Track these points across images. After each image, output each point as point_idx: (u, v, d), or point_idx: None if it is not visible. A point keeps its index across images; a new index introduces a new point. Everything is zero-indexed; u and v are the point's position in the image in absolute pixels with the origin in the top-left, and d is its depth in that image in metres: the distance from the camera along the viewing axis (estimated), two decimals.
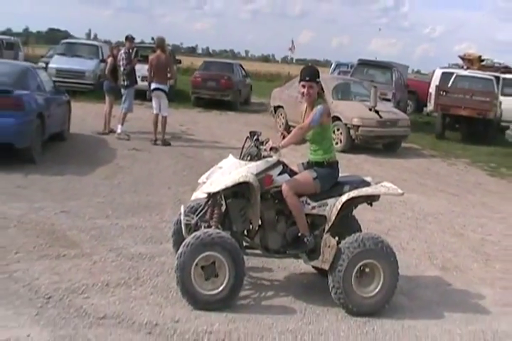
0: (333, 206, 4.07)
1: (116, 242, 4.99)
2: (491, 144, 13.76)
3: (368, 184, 4.18)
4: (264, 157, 4.10)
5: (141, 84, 16.02)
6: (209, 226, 4.03)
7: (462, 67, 18.04)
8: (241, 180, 3.90)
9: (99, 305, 3.77)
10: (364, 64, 16.34)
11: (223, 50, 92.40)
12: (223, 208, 4.14)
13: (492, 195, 8.85)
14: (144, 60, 18.61)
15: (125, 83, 10.55)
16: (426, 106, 17.01)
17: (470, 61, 18.76)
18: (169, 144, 10.19)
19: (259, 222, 4.13)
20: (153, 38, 14.40)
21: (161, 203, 6.42)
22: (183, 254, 3.76)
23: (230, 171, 4.01)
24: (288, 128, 11.79)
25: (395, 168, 10.31)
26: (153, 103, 10.25)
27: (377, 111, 11.33)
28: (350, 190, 4.09)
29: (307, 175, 4.12)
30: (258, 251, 4.25)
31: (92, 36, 61.61)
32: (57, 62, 16.62)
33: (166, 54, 10.44)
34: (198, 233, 3.82)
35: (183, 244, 3.81)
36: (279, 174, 4.07)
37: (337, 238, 4.21)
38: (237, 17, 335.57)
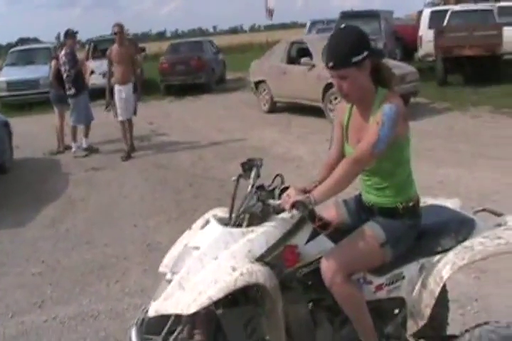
0: (419, 284, 2.14)
1: None
2: (501, 82, 11.72)
3: (470, 223, 2.27)
4: (276, 212, 2.14)
5: (102, 82, 14.28)
6: None
7: (439, 4, 16.74)
8: (240, 283, 1.97)
9: None
10: (347, 16, 14.52)
11: (191, 29, 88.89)
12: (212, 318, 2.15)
13: None
14: (103, 54, 16.91)
15: (71, 91, 8.45)
16: (416, 51, 15.13)
17: None
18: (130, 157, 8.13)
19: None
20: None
21: (124, 257, 4.52)
22: None
23: (215, 255, 2.06)
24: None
25: (411, 134, 8.27)
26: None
27: None
28: (445, 247, 2.17)
29: (367, 240, 2.11)
30: None
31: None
32: (7, 74, 14.77)
33: (126, 44, 8.22)
34: None
35: None
36: (309, 240, 2.12)
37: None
38: None
